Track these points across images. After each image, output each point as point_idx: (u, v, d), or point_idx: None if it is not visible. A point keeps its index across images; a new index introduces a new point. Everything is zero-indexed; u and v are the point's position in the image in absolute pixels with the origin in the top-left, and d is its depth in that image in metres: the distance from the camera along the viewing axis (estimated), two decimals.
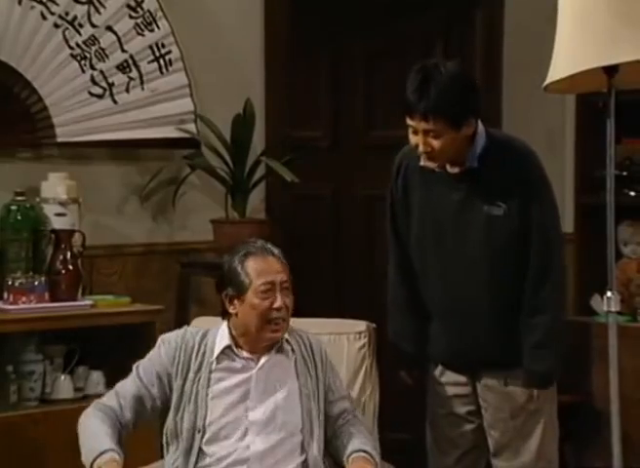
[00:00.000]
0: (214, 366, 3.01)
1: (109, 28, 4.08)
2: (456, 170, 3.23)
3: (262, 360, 3.02)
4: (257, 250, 3.03)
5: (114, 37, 4.09)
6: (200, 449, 2.96)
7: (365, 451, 2.99)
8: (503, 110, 5.16)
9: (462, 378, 3.37)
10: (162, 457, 3.09)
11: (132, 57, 4.12)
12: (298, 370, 3.05)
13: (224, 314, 3.05)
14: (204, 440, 2.96)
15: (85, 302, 3.78)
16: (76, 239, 3.80)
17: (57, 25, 3.97)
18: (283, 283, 2.99)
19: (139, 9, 4.13)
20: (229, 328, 3.04)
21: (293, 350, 3.08)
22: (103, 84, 4.07)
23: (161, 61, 4.19)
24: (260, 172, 4.30)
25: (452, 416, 3.39)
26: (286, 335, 3.06)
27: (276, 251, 3.04)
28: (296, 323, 3.12)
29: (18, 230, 3.75)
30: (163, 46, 4.18)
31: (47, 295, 3.69)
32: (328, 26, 4.98)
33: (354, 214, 5.21)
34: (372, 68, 5.17)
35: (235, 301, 3.00)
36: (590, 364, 4.85)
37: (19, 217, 3.76)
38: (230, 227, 4.21)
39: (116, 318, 3.80)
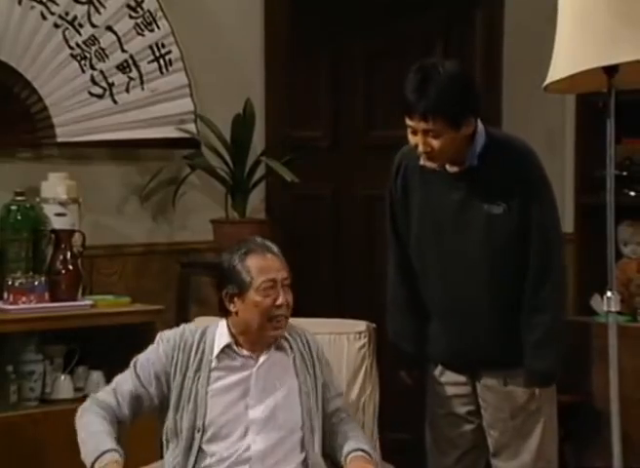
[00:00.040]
0: (213, 364, 3.01)
1: (109, 28, 4.08)
2: (455, 169, 3.23)
3: (262, 358, 3.02)
4: (256, 247, 3.03)
5: (114, 37, 4.09)
6: (200, 449, 2.96)
7: (363, 451, 2.99)
8: (503, 110, 5.16)
9: (462, 378, 3.37)
10: (162, 457, 3.09)
11: (132, 57, 4.13)
12: (297, 367, 3.06)
13: (223, 312, 3.05)
14: (204, 439, 2.96)
15: (85, 302, 3.79)
16: (76, 239, 3.80)
17: (57, 25, 3.97)
18: (284, 280, 3.00)
19: (139, 9, 4.13)
20: (229, 326, 3.04)
21: (291, 348, 3.08)
22: (103, 84, 4.08)
23: (161, 61, 4.19)
24: (260, 172, 4.30)
25: (451, 416, 3.39)
26: (285, 333, 3.07)
27: (275, 248, 3.04)
28: (296, 323, 3.12)
29: (18, 230, 3.75)
30: (163, 46, 4.19)
31: (47, 295, 3.69)
32: (328, 26, 4.98)
33: (354, 214, 5.21)
34: (372, 68, 5.17)
35: (236, 299, 3.00)
36: (590, 364, 4.85)
37: (19, 217, 3.76)
38: (230, 227, 4.21)
39: (116, 318, 3.81)
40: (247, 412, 2.98)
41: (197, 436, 2.96)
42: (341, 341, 3.36)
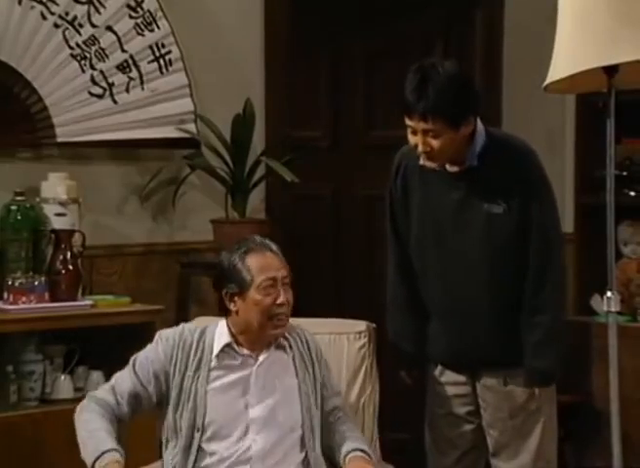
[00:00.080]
0: (213, 363, 3.01)
1: (109, 28, 4.08)
2: (455, 169, 3.23)
3: (262, 357, 3.02)
4: (256, 246, 3.02)
5: (114, 37, 4.09)
6: (199, 448, 2.96)
7: (362, 450, 2.99)
8: (503, 110, 5.17)
9: (462, 378, 3.36)
10: (161, 457, 3.08)
11: (132, 57, 4.13)
12: (296, 366, 3.06)
13: (223, 311, 3.05)
14: (204, 438, 2.96)
15: (85, 302, 3.79)
16: (76, 239, 3.80)
17: (57, 25, 3.97)
18: (284, 278, 3.00)
19: (139, 9, 4.13)
20: (228, 326, 3.04)
21: (291, 347, 3.08)
22: (103, 84, 4.08)
23: (161, 61, 4.19)
24: (260, 172, 4.30)
25: (451, 416, 3.39)
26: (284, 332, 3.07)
27: (274, 246, 3.04)
28: (296, 322, 3.12)
29: (18, 230, 3.75)
30: (163, 46, 4.19)
31: (47, 295, 3.69)
32: (328, 26, 4.98)
33: (354, 214, 5.21)
34: (372, 68, 5.17)
35: (236, 299, 2.99)
36: (590, 364, 4.86)
37: (19, 217, 3.76)
38: (230, 227, 4.21)
39: (116, 318, 3.80)
40: (247, 411, 2.98)
41: (197, 435, 2.96)
42: (341, 341, 3.36)
